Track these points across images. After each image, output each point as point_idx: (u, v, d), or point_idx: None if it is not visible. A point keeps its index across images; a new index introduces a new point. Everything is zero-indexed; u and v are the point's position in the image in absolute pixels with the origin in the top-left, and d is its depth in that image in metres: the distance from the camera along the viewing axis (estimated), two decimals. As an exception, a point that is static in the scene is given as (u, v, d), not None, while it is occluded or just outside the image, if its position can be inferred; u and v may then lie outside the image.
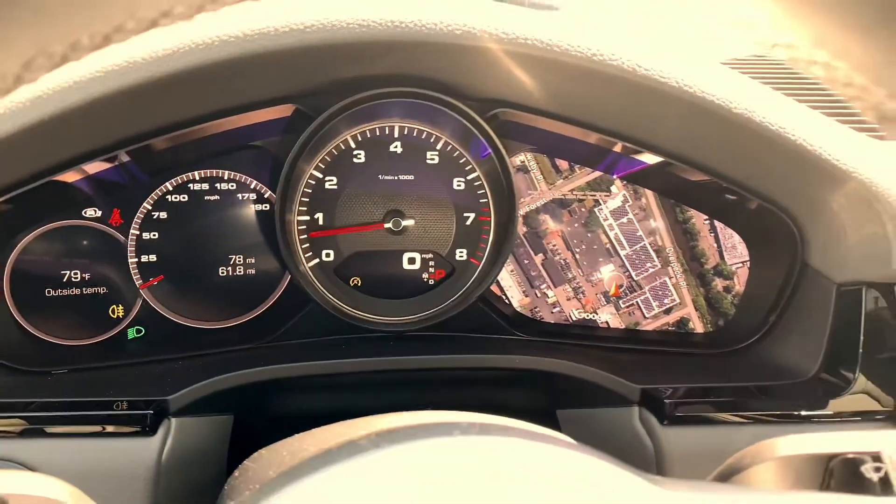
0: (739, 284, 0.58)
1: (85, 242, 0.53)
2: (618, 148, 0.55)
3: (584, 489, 0.29)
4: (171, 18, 0.19)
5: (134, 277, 0.53)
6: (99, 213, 0.52)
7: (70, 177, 0.49)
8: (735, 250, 0.58)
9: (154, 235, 0.53)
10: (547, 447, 0.32)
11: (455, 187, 0.55)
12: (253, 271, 0.56)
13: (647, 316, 0.59)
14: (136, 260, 0.53)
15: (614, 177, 0.56)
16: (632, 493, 0.30)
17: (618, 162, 0.56)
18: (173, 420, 0.46)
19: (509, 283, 0.59)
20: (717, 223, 0.57)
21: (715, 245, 0.58)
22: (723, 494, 0.32)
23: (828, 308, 0.52)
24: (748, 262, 0.58)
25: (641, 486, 0.30)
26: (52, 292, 0.52)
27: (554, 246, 0.58)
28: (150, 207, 0.53)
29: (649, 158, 0.55)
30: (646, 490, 0.30)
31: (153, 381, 0.50)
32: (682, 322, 0.60)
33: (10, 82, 0.19)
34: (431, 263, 0.57)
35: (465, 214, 0.56)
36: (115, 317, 0.54)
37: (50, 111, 0.42)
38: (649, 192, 0.57)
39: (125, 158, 0.50)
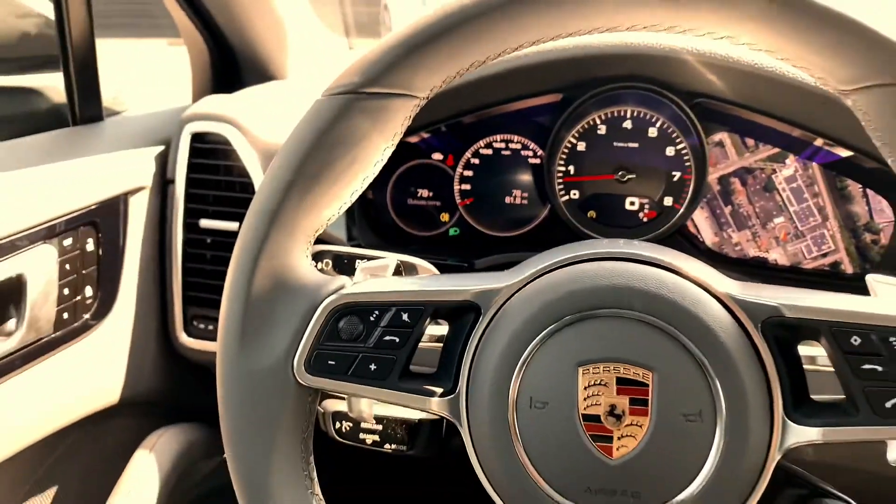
0: (885, 239, 0.75)
1: (431, 174, 0.87)
2: (818, 142, 0.75)
3: None
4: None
5: (456, 198, 0.87)
6: (441, 157, 0.86)
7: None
8: (883, 212, 0.75)
9: (469, 173, 0.86)
10: None
11: (667, 154, 0.80)
12: (526, 202, 0.86)
13: (807, 257, 0.79)
14: (458, 187, 0.86)
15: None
16: None
17: (817, 153, 0.77)
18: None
19: (704, 226, 0.82)
20: (868, 191, 0.75)
21: (866, 207, 0.75)
22: None
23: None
24: (893, 222, 0.75)
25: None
26: (412, 201, 0.88)
27: (740, 201, 0.80)
28: (469, 156, 0.85)
29: (842, 152, 0.75)
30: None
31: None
32: (836, 264, 0.78)
33: None
34: (647, 206, 0.83)
35: (673, 173, 0.80)
36: (443, 221, 0.88)
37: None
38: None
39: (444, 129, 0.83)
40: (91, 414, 0.79)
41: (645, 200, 0.82)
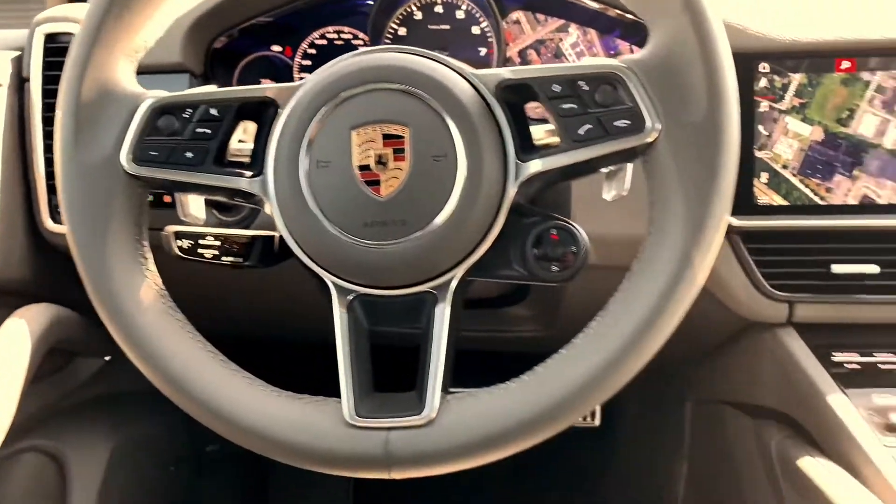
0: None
1: (272, 66, 0.97)
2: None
3: None
4: None
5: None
6: (280, 49, 0.96)
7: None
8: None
9: (308, 63, 0.95)
10: None
11: (473, 33, 0.93)
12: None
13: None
14: (298, 76, 0.96)
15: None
16: None
17: (596, 19, 0.90)
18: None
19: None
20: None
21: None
22: None
23: None
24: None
25: None
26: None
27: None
28: (305, 46, 0.96)
29: (612, 13, 0.89)
30: None
31: None
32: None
33: None
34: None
35: (479, 49, 0.94)
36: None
37: None
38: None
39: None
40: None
41: (460, 75, 0.95)
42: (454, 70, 0.54)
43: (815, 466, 0.67)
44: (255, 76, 0.96)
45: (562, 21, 0.91)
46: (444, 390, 0.53)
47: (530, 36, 0.93)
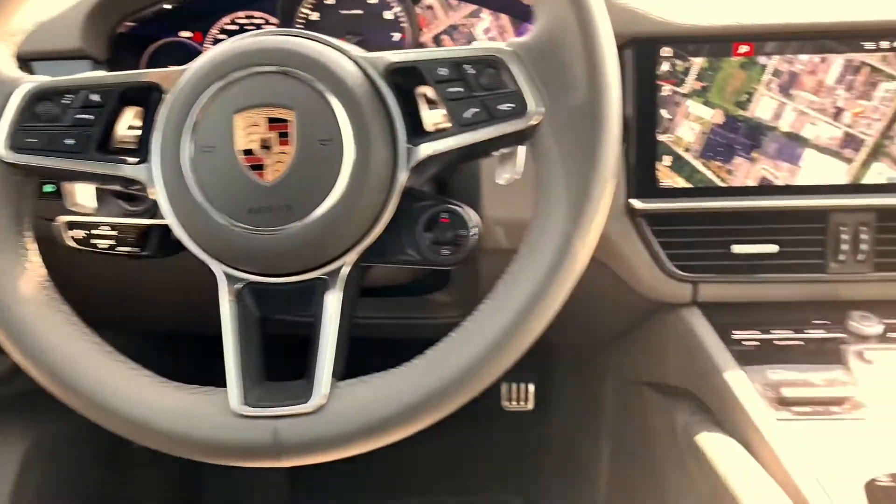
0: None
1: (181, 51, 0.95)
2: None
3: None
4: None
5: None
6: (189, 34, 0.94)
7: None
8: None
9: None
10: None
11: (385, 17, 0.92)
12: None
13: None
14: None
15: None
16: None
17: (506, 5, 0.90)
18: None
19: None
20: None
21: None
22: None
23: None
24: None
25: None
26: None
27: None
28: (215, 32, 0.94)
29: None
30: None
31: None
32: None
33: None
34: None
35: (392, 34, 0.93)
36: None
37: None
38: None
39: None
40: None
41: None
42: (342, 52, 0.54)
43: (712, 442, 0.68)
44: (164, 63, 0.93)
45: (474, 6, 0.91)
46: (338, 377, 0.53)
47: (444, 21, 0.92)
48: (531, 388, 1.48)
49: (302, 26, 0.91)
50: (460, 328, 0.52)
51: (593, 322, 0.99)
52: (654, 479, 0.89)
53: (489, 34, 0.92)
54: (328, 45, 0.54)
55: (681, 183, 0.79)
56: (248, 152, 0.52)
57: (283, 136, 0.52)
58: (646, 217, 0.78)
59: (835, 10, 0.77)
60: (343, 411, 0.51)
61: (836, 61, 0.77)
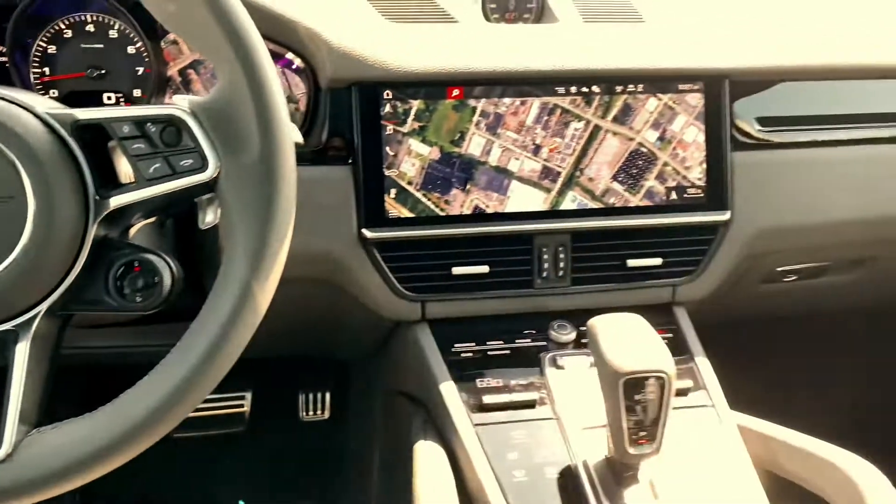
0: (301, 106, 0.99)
1: None
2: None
3: None
4: None
5: None
6: None
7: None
8: (298, 86, 0.97)
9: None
10: None
11: (129, 52, 0.94)
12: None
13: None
14: None
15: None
16: None
17: None
18: None
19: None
20: (287, 71, 0.97)
21: (286, 83, 0.98)
22: None
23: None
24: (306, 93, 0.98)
25: None
26: None
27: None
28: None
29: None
30: None
31: None
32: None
33: None
34: (122, 99, 0.96)
35: (136, 68, 0.94)
36: None
37: None
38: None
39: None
40: None
41: (119, 94, 0.94)
42: (26, 109, 0.56)
43: (422, 448, 0.77)
44: None
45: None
46: (33, 424, 0.55)
47: (189, 56, 0.95)
48: (328, 396, 1.53)
49: (38, 60, 0.90)
50: (150, 374, 0.55)
51: (352, 338, 1.06)
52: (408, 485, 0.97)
53: (234, 70, 0.95)
54: (13, 102, 0.56)
55: (406, 213, 0.87)
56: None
57: None
58: (376, 245, 0.86)
59: (532, 59, 0.88)
60: (32, 459, 0.53)
61: (534, 104, 0.88)
